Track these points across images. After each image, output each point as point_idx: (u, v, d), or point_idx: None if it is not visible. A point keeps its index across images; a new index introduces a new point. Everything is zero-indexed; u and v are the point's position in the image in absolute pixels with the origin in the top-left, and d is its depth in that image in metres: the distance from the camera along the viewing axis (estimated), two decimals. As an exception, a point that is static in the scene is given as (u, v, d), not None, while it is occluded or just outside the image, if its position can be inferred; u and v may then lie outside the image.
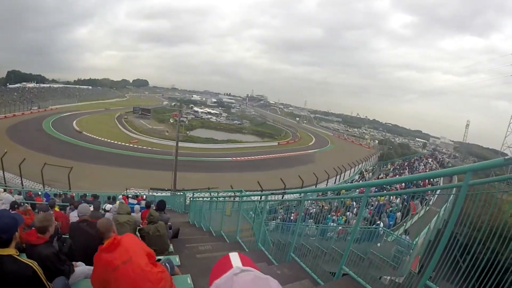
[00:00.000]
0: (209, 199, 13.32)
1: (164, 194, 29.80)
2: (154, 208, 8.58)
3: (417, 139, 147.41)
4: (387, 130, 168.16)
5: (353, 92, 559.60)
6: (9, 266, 2.50)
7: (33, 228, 3.74)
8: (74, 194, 19.64)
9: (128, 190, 29.30)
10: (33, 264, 2.58)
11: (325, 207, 18.35)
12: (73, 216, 6.09)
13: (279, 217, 15.59)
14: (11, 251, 2.56)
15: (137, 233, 6.28)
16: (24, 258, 2.62)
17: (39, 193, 19.52)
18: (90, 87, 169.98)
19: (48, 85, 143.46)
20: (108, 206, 10.00)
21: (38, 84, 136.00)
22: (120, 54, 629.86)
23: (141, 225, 7.21)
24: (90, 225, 4.98)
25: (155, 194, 28.51)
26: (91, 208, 7.82)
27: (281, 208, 15.01)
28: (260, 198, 10.88)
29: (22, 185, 27.84)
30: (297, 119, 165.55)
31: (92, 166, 41.89)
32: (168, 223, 7.43)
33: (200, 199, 14.35)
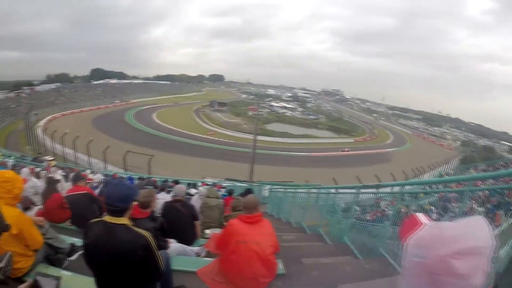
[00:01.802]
0: (290, 191, 13.43)
1: (240, 185, 29.84)
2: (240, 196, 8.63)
3: (502, 142, 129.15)
4: (470, 131, 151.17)
5: (431, 87, 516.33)
6: (123, 235, 2.52)
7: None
8: (156, 179, 20.16)
9: (204, 179, 29.74)
10: (146, 234, 2.56)
11: (402, 209, 17.07)
12: (160, 197, 6.15)
13: (354, 215, 14.68)
14: (125, 220, 2.58)
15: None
16: (137, 228, 2.59)
17: (123, 176, 20.35)
18: (169, 82, 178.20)
19: (129, 81, 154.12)
20: (193, 191, 10.22)
21: (119, 80, 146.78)
22: (195, 50, 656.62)
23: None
24: (184, 204, 5.36)
25: (235, 184, 28.68)
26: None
27: (357, 206, 14.10)
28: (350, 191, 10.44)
29: (105, 168, 29.55)
30: (374, 115, 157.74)
31: (171, 155, 43.24)
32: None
33: (281, 191, 14.43)
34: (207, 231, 5.90)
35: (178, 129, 65.15)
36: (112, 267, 2.50)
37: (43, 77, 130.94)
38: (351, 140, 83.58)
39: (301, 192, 13.20)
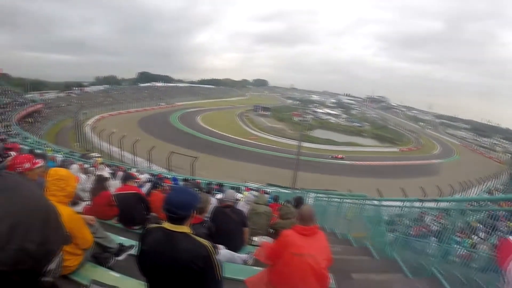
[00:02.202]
0: (335, 200, 13.01)
1: (282, 191, 29.35)
2: (290, 203, 8.44)
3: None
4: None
5: (481, 93, 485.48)
6: (184, 243, 2.40)
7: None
8: (200, 181, 20.09)
9: (245, 183, 29.57)
10: (207, 243, 2.44)
11: (449, 226, 15.99)
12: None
13: (398, 229, 13.89)
14: (186, 228, 2.45)
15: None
16: (198, 237, 2.48)
17: (168, 176, 20.44)
18: (213, 86, 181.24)
19: (174, 84, 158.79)
20: (238, 195, 9.88)
21: (165, 84, 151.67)
22: (239, 55, 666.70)
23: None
24: (233, 210, 5.25)
25: (279, 190, 28.29)
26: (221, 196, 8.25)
27: (400, 221, 13.34)
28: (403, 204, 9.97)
29: (150, 168, 30.06)
30: (421, 124, 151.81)
31: (213, 158, 43.54)
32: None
33: (325, 199, 14.20)
34: (255, 238, 5.78)
35: (221, 132, 65.95)
36: (169, 276, 2.39)
37: (92, 79, 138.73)
38: (395, 149, 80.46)
39: (346, 202, 12.76)
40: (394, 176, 47.37)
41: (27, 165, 3.57)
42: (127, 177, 6.09)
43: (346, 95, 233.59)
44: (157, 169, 31.76)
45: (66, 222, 2.68)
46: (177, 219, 2.41)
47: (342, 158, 58.74)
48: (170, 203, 2.42)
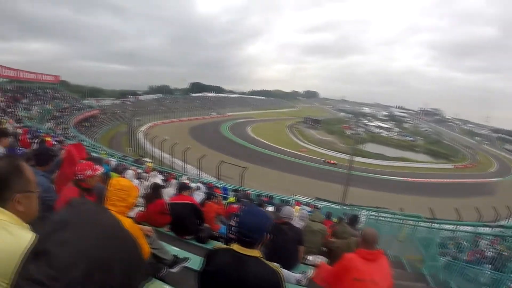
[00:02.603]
0: (387, 219, 13.13)
1: (332, 206, 28.62)
2: (343, 220, 8.01)
3: None
4: None
5: None
6: (254, 268, 2.26)
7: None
8: (250, 192, 19.96)
9: (294, 196, 29.15)
10: (278, 269, 2.32)
11: (505, 253, 14.74)
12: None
13: (450, 253, 13.03)
14: (256, 252, 2.30)
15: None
16: (269, 262, 2.33)
17: (218, 186, 20.48)
18: (263, 97, 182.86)
19: (225, 95, 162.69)
20: (286, 207, 9.52)
21: (217, 94, 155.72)
22: (289, 66, 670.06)
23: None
24: (291, 227, 5.03)
25: (330, 205, 27.66)
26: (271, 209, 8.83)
27: (452, 244, 12.47)
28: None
29: (199, 176, 30.37)
30: (477, 138, 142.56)
31: (262, 169, 43.34)
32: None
33: (377, 218, 14.11)
34: (310, 257, 5.60)
35: (271, 144, 66.07)
36: None
37: (146, 88, 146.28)
38: (450, 166, 76.51)
39: (400, 222, 12.36)
40: (448, 195, 44.95)
41: (88, 172, 3.55)
42: (183, 187, 6.06)
43: (399, 107, 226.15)
44: (206, 177, 32.12)
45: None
46: (249, 243, 2.26)
47: (334, 164, 56.93)
48: (243, 226, 2.28)
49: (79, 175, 3.49)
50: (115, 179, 2.99)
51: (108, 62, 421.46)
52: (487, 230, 9.10)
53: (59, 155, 4.68)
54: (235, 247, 2.26)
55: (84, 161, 3.88)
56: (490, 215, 28.50)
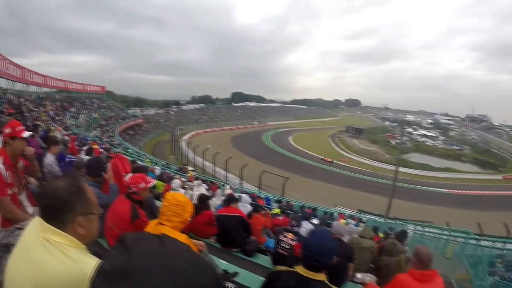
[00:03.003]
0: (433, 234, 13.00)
1: (377, 219, 27.85)
2: (390, 235, 7.71)
3: None
4: None
5: None
6: None
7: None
8: (293, 203, 19.81)
9: (336, 208, 28.66)
10: None
11: None
12: (304, 227, 6.07)
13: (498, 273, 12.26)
14: (323, 276, 2.28)
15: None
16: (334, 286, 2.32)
17: (261, 196, 20.45)
18: (305, 106, 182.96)
19: (267, 104, 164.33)
20: (335, 223, 9.37)
21: (258, 103, 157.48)
22: (330, 74, 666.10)
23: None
24: (342, 244, 4.85)
25: (374, 218, 26.97)
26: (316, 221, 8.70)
27: (500, 263, 11.70)
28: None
29: (241, 185, 30.47)
30: None
31: (303, 179, 42.73)
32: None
33: (423, 233, 13.81)
34: (358, 275, 5.30)
35: (312, 153, 65.35)
36: None
37: (189, 98, 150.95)
38: (499, 177, 72.02)
39: (446, 238, 12.02)
40: (497, 208, 42.53)
41: (142, 185, 3.54)
42: (231, 199, 6.01)
43: (444, 114, 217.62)
44: (248, 186, 32.16)
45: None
46: (316, 267, 2.22)
47: (331, 162, 56.63)
48: (311, 249, 2.23)
49: (132, 188, 3.48)
50: (170, 194, 2.94)
51: (151, 73, 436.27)
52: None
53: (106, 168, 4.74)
54: (300, 270, 2.21)
55: (136, 174, 3.88)
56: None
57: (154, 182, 3.79)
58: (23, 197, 3.29)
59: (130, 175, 4.23)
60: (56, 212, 1.36)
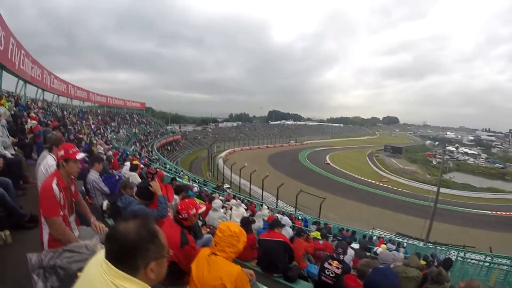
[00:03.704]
0: (477, 261, 12.43)
1: (416, 243, 26.92)
2: (435, 264, 7.52)
3: None
4: None
5: None
6: None
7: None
8: (331, 225, 19.57)
9: (373, 230, 28.00)
10: None
11: None
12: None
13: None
14: None
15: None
16: None
17: (299, 217, 20.33)
18: (342, 124, 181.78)
19: (303, 122, 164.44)
20: (379, 250, 9.20)
21: (295, 122, 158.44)
22: (367, 92, 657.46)
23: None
24: None
25: (414, 243, 26.13)
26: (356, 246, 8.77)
27: None
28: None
29: (277, 205, 30.34)
30: None
31: (340, 199, 42.24)
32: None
33: (469, 260, 12.58)
34: None
35: (350, 173, 64.60)
36: None
37: (226, 115, 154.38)
38: None
39: (490, 264, 11.62)
40: None
41: (193, 211, 3.54)
42: (275, 224, 5.94)
43: (486, 130, 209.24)
44: (284, 205, 32.03)
45: (234, 281, 2.74)
46: None
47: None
48: (378, 286, 2.30)
49: (184, 214, 3.48)
50: (225, 225, 2.94)
51: (189, 91, 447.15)
52: None
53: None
54: None
55: (186, 199, 3.91)
56: None
57: (204, 208, 3.80)
58: (72, 220, 3.37)
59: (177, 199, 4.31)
60: (128, 258, 1.31)
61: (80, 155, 3.30)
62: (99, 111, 52.20)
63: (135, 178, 8.21)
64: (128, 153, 23.44)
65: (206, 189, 20.63)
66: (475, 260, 12.79)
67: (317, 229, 12.03)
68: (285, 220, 9.48)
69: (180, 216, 3.51)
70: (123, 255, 1.31)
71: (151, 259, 1.34)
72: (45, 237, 3.06)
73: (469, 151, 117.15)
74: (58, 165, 3.25)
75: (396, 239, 23.37)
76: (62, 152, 3.19)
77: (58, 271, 2.24)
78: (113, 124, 47.51)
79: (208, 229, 6.26)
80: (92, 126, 33.38)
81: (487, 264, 11.62)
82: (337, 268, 4.58)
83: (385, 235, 24.21)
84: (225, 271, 2.70)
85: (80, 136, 16.10)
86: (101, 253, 1.39)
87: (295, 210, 28.83)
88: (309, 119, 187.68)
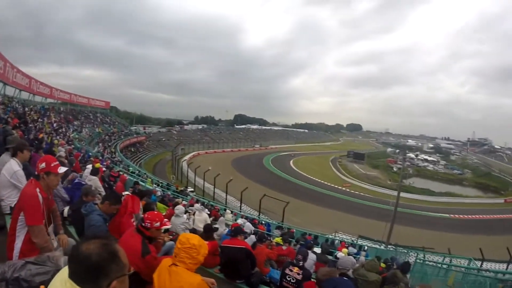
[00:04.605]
0: (435, 262, 12.99)
1: (377, 246, 27.58)
2: (395, 267, 8.13)
3: None
4: None
5: None
6: None
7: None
8: (294, 230, 19.70)
9: (336, 233, 28.51)
10: None
11: None
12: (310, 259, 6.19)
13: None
14: None
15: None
16: None
17: (262, 222, 20.37)
18: (306, 130, 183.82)
19: (269, 127, 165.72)
20: (340, 255, 9.34)
21: (260, 126, 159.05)
22: (332, 99, 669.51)
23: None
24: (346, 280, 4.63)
25: (375, 246, 26.70)
26: (319, 251, 8.87)
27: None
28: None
29: (241, 209, 30.34)
30: None
31: (303, 203, 42.62)
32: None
33: (428, 262, 13.10)
34: None
35: (313, 178, 65.37)
36: None
37: (192, 118, 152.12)
38: (500, 200, 70.89)
39: (448, 265, 11.70)
40: (499, 232, 42.09)
41: (156, 224, 3.52)
42: (238, 231, 5.99)
43: (445, 138, 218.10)
44: (248, 210, 32.04)
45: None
46: None
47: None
48: None
49: (146, 223, 3.47)
50: (185, 237, 2.96)
51: (156, 91, 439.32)
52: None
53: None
54: None
55: (155, 212, 3.90)
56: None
57: (169, 226, 3.78)
58: (50, 230, 3.36)
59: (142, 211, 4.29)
60: (90, 278, 1.35)
61: (62, 169, 3.34)
62: (61, 109, 50.79)
63: (95, 182, 8.03)
64: (91, 154, 22.84)
65: (169, 193, 20.40)
66: (433, 262, 13.17)
67: (280, 234, 12.12)
68: (247, 225, 9.48)
69: (143, 225, 3.49)
70: (86, 275, 1.35)
71: (113, 278, 1.37)
72: (18, 245, 3.03)
73: (429, 158, 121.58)
74: (38, 177, 3.24)
75: (358, 242, 23.84)
76: (43, 165, 3.22)
77: (21, 283, 2.24)
78: (75, 123, 46.29)
79: (171, 236, 6.19)
80: (54, 125, 32.33)
81: (445, 266, 11.96)
82: (298, 274, 4.66)
83: (347, 239, 24.64)
84: (186, 281, 2.72)
85: (41, 135, 15.42)
86: (65, 270, 1.44)
87: (259, 215, 28.91)
88: (274, 124, 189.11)
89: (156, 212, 3.69)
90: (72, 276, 1.37)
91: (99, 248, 1.37)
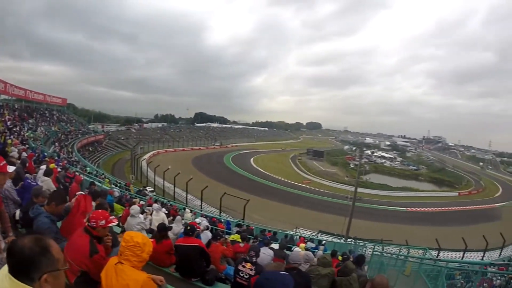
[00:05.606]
0: (392, 253, 13.22)
1: (336, 240, 28.11)
2: (351, 260, 8.02)
3: None
4: None
5: None
6: None
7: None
8: (253, 227, 19.76)
9: (297, 229, 28.85)
10: None
11: None
12: (265, 254, 6.40)
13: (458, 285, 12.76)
14: None
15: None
16: None
17: (222, 220, 20.31)
18: (267, 128, 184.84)
19: (229, 125, 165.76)
20: (295, 249, 9.46)
21: (221, 124, 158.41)
22: (293, 98, 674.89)
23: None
24: (299, 273, 4.73)
25: (333, 239, 27.16)
26: (276, 247, 8.57)
27: (459, 275, 12.26)
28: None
29: (201, 208, 30.16)
30: (481, 164, 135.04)
31: (264, 200, 43.11)
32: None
33: (386, 254, 13.47)
34: None
35: (273, 175, 65.95)
36: None
37: (151, 116, 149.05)
38: (454, 193, 74.78)
39: (405, 256, 11.97)
40: (454, 223, 44.16)
41: (102, 222, 3.45)
42: (191, 230, 5.93)
43: (401, 136, 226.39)
44: (209, 208, 31.91)
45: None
46: None
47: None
48: None
49: (92, 222, 3.42)
50: (129, 235, 2.97)
51: (115, 88, 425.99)
52: (495, 257, 8.93)
53: (70, 204, 4.65)
54: None
55: (100, 210, 3.82)
56: (498, 241, 27.79)
57: (115, 223, 3.72)
58: None
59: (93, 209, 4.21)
60: (23, 270, 1.44)
61: (11, 169, 3.31)
62: (16, 106, 48.52)
63: (48, 184, 7.77)
64: (46, 154, 22.01)
65: (127, 193, 20.00)
66: (391, 253, 13.59)
67: (237, 232, 12.13)
68: (203, 223, 9.43)
69: (89, 224, 3.45)
70: (19, 268, 1.46)
71: (44, 272, 1.46)
72: None
73: (386, 155, 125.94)
74: None
75: (318, 237, 24.22)
76: None
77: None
78: (30, 121, 44.15)
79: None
80: (8, 123, 30.91)
81: (402, 256, 12.35)
82: (251, 270, 4.70)
83: (307, 235, 24.97)
84: (131, 279, 2.73)
85: (-7, 135, 14.79)
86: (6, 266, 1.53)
87: (220, 213, 28.86)
88: (234, 122, 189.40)
89: (100, 211, 3.64)
90: (10, 270, 1.46)
91: (31, 242, 1.47)
